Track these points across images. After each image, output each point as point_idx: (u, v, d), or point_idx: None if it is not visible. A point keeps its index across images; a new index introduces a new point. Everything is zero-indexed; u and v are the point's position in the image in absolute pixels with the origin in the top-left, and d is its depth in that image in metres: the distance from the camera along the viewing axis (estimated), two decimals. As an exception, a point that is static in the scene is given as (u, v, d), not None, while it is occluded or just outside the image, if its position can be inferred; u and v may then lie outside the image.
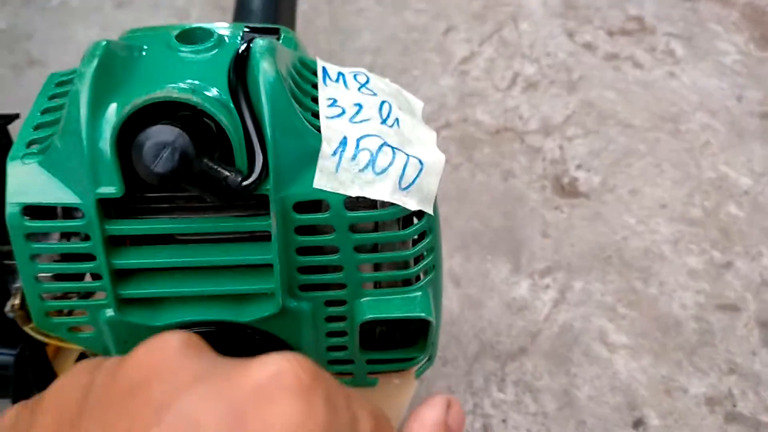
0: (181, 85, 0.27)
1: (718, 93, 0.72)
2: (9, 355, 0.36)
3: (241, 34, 0.33)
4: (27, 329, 0.34)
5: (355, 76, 0.33)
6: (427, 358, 0.35)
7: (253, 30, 0.33)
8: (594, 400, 0.49)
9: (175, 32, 0.31)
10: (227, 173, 0.26)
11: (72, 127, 0.27)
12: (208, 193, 0.26)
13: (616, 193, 0.63)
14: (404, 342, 0.35)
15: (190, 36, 0.31)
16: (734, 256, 0.58)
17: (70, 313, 0.31)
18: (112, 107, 0.27)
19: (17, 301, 0.33)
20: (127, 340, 0.32)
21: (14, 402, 0.37)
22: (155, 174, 0.25)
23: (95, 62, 0.27)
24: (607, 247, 0.59)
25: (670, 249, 0.58)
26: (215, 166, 0.26)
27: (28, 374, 0.35)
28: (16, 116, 0.34)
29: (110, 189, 0.27)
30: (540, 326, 0.53)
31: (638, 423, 0.48)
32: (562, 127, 0.68)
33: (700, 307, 0.54)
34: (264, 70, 0.28)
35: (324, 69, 0.33)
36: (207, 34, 0.32)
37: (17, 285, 0.33)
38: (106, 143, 0.27)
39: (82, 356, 0.38)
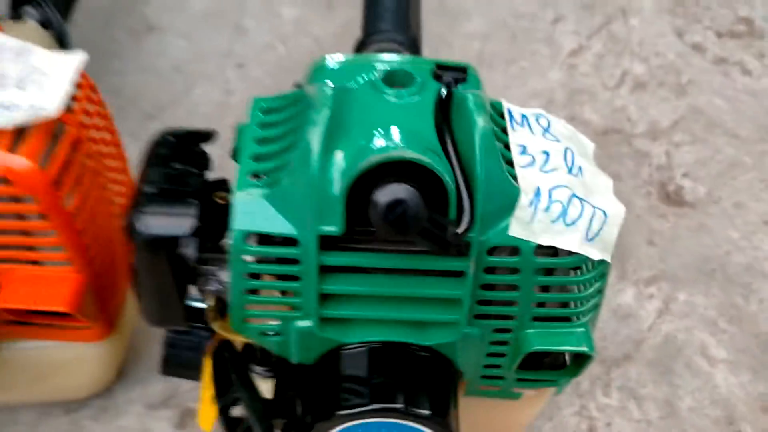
0: (410, 146, 0.30)
1: (827, 107, 0.72)
2: (201, 337, 0.40)
3: (432, 72, 0.35)
4: (216, 326, 0.37)
5: (537, 119, 0.35)
6: (568, 379, 0.38)
7: (442, 68, 0.35)
8: (695, 411, 0.52)
9: (379, 71, 0.34)
10: (448, 226, 0.29)
11: (301, 170, 0.30)
12: (427, 242, 0.29)
13: (721, 205, 0.64)
14: (553, 365, 0.39)
15: (393, 79, 0.34)
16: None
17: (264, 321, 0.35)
18: (340, 155, 0.30)
19: (212, 303, 0.37)
20: (310, 348, 0.36)
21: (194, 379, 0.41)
22: (390, 229, 0.28)
23: (327, 113, 0.30)
24: (711, 260, 0.60)
25: (773, 267, 0.60)
26: (439, 221, 0.29)
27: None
28: (212, 134, 0.37)
29: (332, 228, 0.30)
30: (644, 335, 0.56)
31: (737, 437, 0.51)
32: (670, 133, 0.69)
33: (801, 329, 0.56)
34: (480, 127, 0.30)
35: (509, 112, 0.35)
36: (408, 76, 0.34)
37: (211, 288, 0.37)
38: (335, 189, 0.30)
39: (248, 347, 0.41)
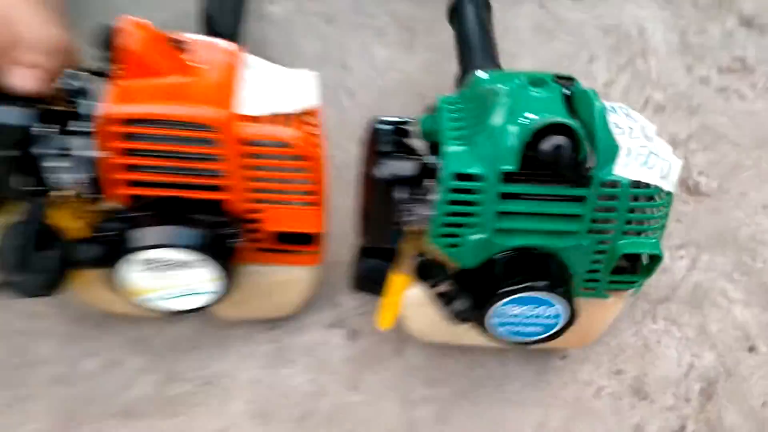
0: (558, 115, 0.50)
1: (806, 123, 0.93)
2: (388, 259, 0.59)
3: (553, 78, 0.55)
4: (410, 246, 0.57)
5: (621, 108, 0.56)
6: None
7: (559, 77, 0.56)
8: (721, 332, 0.71)
9: (521, 78, 0.54)
10: (582, 165, 0.49)
11: (489, 132, 0.50)
12: (570, 173, 0.49)
13: (730, 194, 0.85)
14: (631, 270, 0.58)
15: (533, 82, 0.54)
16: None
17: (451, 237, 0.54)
18: (513, 123, 0.50)
19: (410, 228, 0.56)
20: (479, 255, 0.55)
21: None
22: (553, 164, 0.48)
23: (507, 99, 0.51)
24: (725, 232, 0.81)
25: (771, 237, 0.80)
26: (578, 161, 0.49)
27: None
28: (409, 121, 0.57)
29: (510, 167, 0.50)
30: (678, 283, 0.76)
31: (752, 348, 0.70)
32: (686, 143, 0.90)
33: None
34: (598, 106, 0.51)
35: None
36: (542, 81, 0.54)
37: (411, 218, 0.56)
38: (512, 143, 0.50)
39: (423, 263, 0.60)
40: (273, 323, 0.69)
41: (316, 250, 0.61)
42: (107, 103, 0.51)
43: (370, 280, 0.62)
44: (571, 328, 0.58)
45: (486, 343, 0.60)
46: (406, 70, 0.99)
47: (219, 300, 0.58)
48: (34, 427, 0.62)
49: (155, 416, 0.63)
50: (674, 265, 0.78)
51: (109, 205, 0.57)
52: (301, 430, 0.63)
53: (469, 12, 0.84)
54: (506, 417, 0.65)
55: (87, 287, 0.61)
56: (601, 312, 0.62)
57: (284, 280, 0.64)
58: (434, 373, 0.68)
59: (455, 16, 0.86)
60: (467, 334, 0.63)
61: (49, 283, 0.55)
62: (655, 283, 0.76)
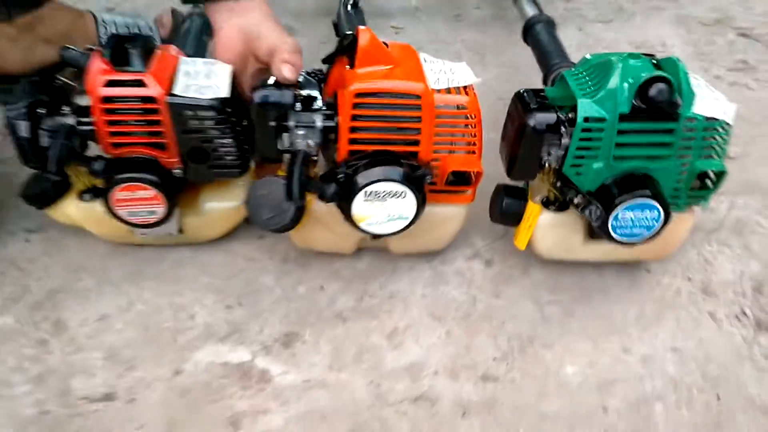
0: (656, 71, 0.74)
1: (802, 105, 1.20)
2: (525, 192, 0.83)
3: (643, 57, 0.80)
4: (545, 179, 0.81)
5: (697, 79, 0.80)
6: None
7: (645, 54, 0.81)
8: (763, 251, 0.95)
9: (624, 54, 0.79)
10: (676, 103, 0.74)
11: (608, 87, 0.75)
12: (669, 109, 0.74)
13: (751, 157, 1.10)
14: (702, 188, 0.82)
15: (632, 55, 0.79)
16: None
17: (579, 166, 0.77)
18: (627, 79, 0.75)
19: (549, 164, 0.80)
20: (596, 180, 0.79)
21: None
22: (659, 102, 0.72)
23: (620, 64, 0.75)
24: (752, 182, 1.05)
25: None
26: (674, 100, 0.73)
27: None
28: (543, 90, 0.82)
29: (625, 109, 0.75)
30: (723, 219, 1.00)
31: (785, 259, 0.94)
32: (712, 122, 1.16)
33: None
34: (682, 65, 0.75)
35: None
36: (636, 55, 0.79)
37: (550, 156, 0.80)
38: (628, 91, 0.74)
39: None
40: (428, 258, 0.92)
41: (472, 190, 0.84)
42: (348, 82, 0.75)
43: (511, 212, 0.85)
44: (655, 242, 0.81)
45: (594, 258, 0.84)
46: (485, 81, 1.24)
47: (411, 225, 0.81)
48: (269, 332, 0.83)
49: (360, 320, 0.85)
50: (719, 206, 1.02)
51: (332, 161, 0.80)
52: (465, 324, 0.85)
53: (541, 29, 1.11)
54: (612, 311, 0.88)
55: (307, 231, 0.84)
56: (679, 226, 0.86)
57: (447, 216, 0.87)
58: (554, 284, 0.90)
59: (529, 33, 1.12)
60: (580, 250, 0.87)
61: (293, 223, 0.78)
62: (707, 217, 1.00)
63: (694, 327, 0.86)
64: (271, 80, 0.78)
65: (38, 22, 1.08)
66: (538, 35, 1.11)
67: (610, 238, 0.81)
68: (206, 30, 1.09)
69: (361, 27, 0.77)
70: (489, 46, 1.36)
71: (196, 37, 1.04)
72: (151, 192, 0.79)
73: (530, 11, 1.19)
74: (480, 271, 0.92)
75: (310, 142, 0.78)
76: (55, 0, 1.11)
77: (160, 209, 0.81)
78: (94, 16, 1.19)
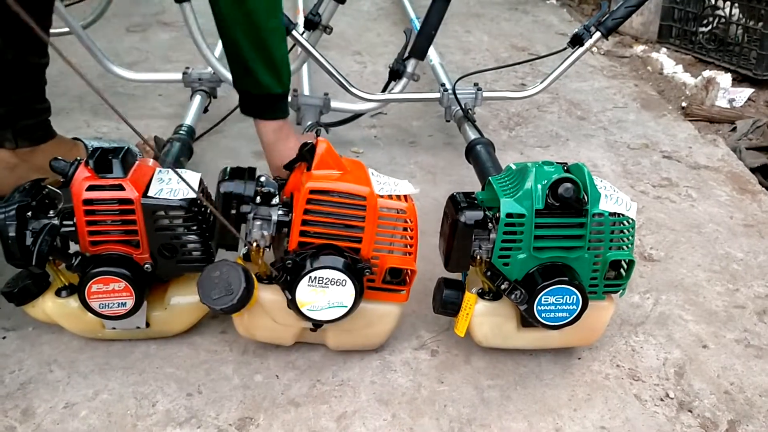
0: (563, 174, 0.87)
1: (718, 215, 1.33)
2: (462, 285, 0.93)
3: (556, 163, 0.94)
4: (476, 270, 0.91)
5: (602, 181, 0.93)
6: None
7: (558, 162, 0.94)
8: (684, 339, 1.04)
9: (539, 162, 0.92)
10: (582, 202, 0.86)
11: (525, 188, 0.87)
12: (576, 206, 0.86)
13: (674, 259, 1.22)
14: (617, 278, 0.93)
15: (545, 163, 0.92)
16: None
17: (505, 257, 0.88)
18: (539, 183, 0.87)
19: (479, 257, 0.91)
20: (522, 269, 0.90)
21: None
22: (566, 201, 0.84)
23: (533, 170, 0.88)
24: (674, 282, 1.16)
25: (706, 279, 1.16)
26: (581, 199, 0.85)
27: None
28: (472, 193, 0.94)
29: (540, 206, 0.86)
30: (648, 313, 1.10)
31: (704, 346, 1.03)
32: (640, 229, 1.29)
33: None
34: (585, 169, 0.88)
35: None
36: (550, 162, 0.92)
37: (479, 250, 0.91)
38: (540, 192, 0.86)
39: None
40: (378, 349, 1.00)
41: (406, 290, 0.94)
42: (304, 181, 0.87)
43: (450, 301, 0.95)
44: (581, 328, 0.91)
45: (527, 345, 0.93)
46: (434, 196, 1.37)
47: (348, 314, 0.89)
48: (225, 417, 0.89)
49: (311, 405, 0.91)
50: (644, 302, 1.12)
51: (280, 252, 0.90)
52: (410, 408, 0.92)
53: (481, 149, 1.26)
54: (546, 395, 0.95)
55: (251, 319, 0.93)
56: (601, 313, 0.96)
57: (383, 313, 0.95)
58: (493, 370, 0.98)
59: (471, 153, 1.27)
60: (515, 337, 0.96)
61: (241, 304, 0.86)
62: (633, 312, 1.09)
63: (621, 408, 0.93)
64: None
65: (38, 153, 1.20)
66: (479, 154, 1.26)
67: (537, 321, 0.90)
68: (185, 152, 1.23)
69: (320, 138, 0.90)
70: (440, 167, 1.51)
71: (175, 157, 1.17)
72: (122, 284, 0.88)
73: (472, 135, 1.35)
74: (426, 360, 0.99)
75: (265, 232, 0.89)
76: (57, 135, 1.25)
77: (130, 301, 0.89)
78: (84, 144, 1.32)
